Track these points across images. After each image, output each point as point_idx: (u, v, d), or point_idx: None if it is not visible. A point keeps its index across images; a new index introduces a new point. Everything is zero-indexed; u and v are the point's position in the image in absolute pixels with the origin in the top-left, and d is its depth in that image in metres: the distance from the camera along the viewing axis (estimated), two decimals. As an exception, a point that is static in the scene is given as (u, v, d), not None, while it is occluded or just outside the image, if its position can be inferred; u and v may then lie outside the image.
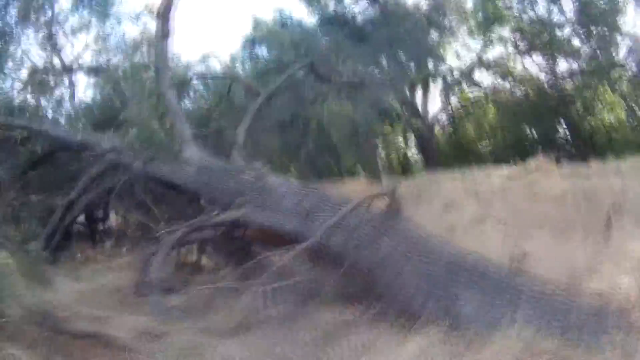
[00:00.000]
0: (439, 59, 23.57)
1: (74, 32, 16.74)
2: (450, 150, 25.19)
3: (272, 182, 10.36)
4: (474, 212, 13.02)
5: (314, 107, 18.92)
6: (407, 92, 23.82)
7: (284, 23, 22.33)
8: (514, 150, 20.00)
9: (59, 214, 13.10)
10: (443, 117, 25.16)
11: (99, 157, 13.01)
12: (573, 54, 21.80)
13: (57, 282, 9.91)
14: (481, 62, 23.63)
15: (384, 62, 20.56)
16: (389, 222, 8.90)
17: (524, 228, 11.53)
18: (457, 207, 13.83)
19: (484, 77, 24.33)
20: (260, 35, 22.36)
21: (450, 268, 8.02)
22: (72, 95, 15.42)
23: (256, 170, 10.52)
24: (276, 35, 21.40)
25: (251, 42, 22.65)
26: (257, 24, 22.73)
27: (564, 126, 22.73)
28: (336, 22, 21.77)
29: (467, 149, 24.69)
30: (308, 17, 22.88)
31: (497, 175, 14.93)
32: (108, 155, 12.79)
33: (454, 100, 25.08)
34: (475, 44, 23.67)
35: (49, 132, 14.05)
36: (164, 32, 13.65)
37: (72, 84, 15.62)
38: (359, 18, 21.88)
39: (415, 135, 24.80)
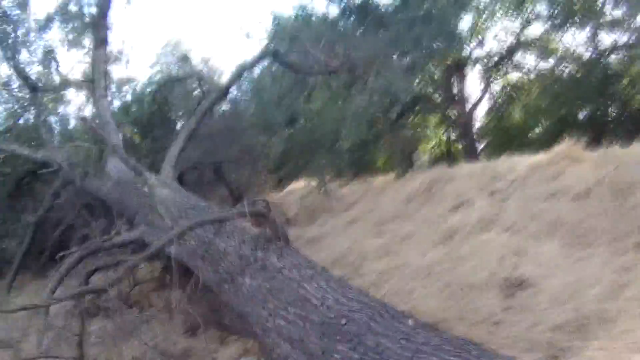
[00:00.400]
0: (475, 41, 19.78)
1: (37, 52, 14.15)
2: (495, 137, 21.42)
3: (158, 197, 7.38)
4: (483, 213, 9.81)
5: (331, 102, 15.54)
6: (441, 79, 20.09)
7: (304, 17, 18.70)
8: (560, 133, 16.04)
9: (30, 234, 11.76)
10: (484, 103, 21.24)
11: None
12: (616, 25, 17.65)
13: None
14: (520, 42, 19.61)
15: (411, 48, 16.69)
16: (258, 253, 5.63)
17: (534, 236, 8.02)
18: (466, 206, 10.64)
19: (524, 59, 20.38)
20: (281, 32, 18.70)
21: (326, 331, 4.90)
22: (39, 114, 12.85)
23: (146, 182, 7.39)
24: (296, 30, 17.84)
25: (272, 39, 19.05)
26: (277, 20, 19.05)
27: (611, 105, 18.59)
28: (358, 11, 18.27)
29: (513, 134, 20.79)
30: (330, 10, 19.22)
31: (521, 166, 11.24)
32: (60, 172, 10.98)
33: (494, 84, 21.10)
34: (512, 23, 19.61)
35: (15, 151, 12.45)
36: (98, 40, 11.81)
37: (39, 103, 13.07)
38: (383, 5, 18.13)
39: (452, 123, 21.01)
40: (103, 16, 11.66)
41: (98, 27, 11.81)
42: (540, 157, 11.49)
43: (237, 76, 11.25)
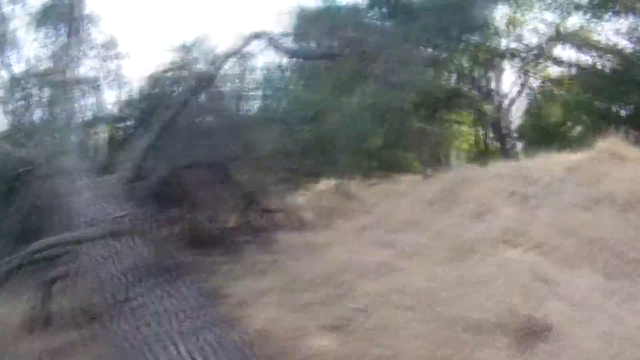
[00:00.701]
0: (512, 34, 17.58)
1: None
2: (534, 135, 19.21)
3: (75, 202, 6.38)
4: (509, 224, 7.63)
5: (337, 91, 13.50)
6: (476, 74, 17.89)
7: (326, 7, 16.65)
8: (602, 131, 13.71)
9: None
10: (522, 99, 18.98)
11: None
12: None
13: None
14: (559, 34, 17.36)
15: (439, 39, 14.60)
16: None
17: (568, 258, 5.81)
18: (491, 214, 8.43)
19: (564, 52, 18.18)
20: (302, 23, 16.65)
21: None
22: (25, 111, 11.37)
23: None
24: (312, 17, 15.78)
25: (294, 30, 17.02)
26: (300, 12, 16.94)
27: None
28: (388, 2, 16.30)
29: (552, 132, 18.54)
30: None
31: (558, 166, 9.06)
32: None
33: (533, 79, 18.81)
34: (551, 14, 17.48)
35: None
36: (70, 31, 10.43)
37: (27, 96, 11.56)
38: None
39: (487, 121, 18.73)
40: (74, 5, 10.10)
41: (70, 16, 10.40)
42: (581, 155, 9.33)
43: (222, 62, 9.31)
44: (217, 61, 9.34)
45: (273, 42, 9.97)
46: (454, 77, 17.20)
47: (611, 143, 8.97)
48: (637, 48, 16.07)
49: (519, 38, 18.08)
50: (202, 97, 10.35)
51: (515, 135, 19.08)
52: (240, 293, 7.80)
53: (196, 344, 3.55)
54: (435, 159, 16.58)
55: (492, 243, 7.12)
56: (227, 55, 9.24)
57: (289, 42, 12.05)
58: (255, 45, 10.03)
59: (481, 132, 19.66)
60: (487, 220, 8.15)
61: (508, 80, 18.68)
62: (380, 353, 4.94)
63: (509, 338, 4.69)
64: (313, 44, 11.29)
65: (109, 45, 13.54)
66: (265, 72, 13.56)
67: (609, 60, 16.89)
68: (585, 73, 17.39)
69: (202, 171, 11.57)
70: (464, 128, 19.65)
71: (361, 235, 9.98)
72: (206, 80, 8.99)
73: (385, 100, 12.46)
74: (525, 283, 5.53)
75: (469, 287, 5.99)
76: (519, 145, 19.31)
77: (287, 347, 5.41)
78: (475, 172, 11.03)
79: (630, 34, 16.09)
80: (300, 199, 14.27)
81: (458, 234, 7.96)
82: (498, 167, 11.03)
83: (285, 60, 13.11)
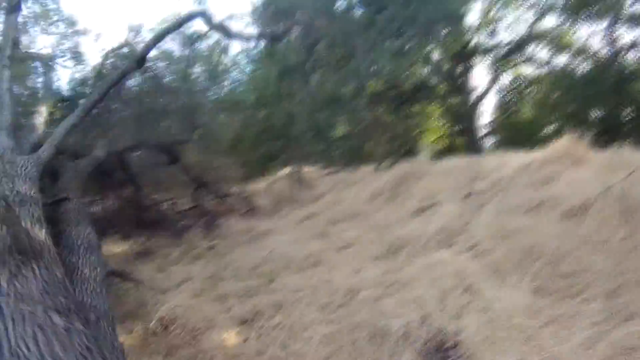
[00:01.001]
0: (485, 30, 16.84)
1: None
2: (504, 133, 18.43)
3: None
4: (448, 222, 6.85)
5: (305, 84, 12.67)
6: (447, 68, 17.12)
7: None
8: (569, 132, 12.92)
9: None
10: (491, 95, 18.26)
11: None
12: (635, 21, 14.84)
13: None
14: (532, 34, 16.68)
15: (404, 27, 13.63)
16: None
17: (498, 265, 5.14)
18: (432, 210, 7.79)
19: (536, 52, 17.43)
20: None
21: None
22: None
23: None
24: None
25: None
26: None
27: (626, 106, 15.48)
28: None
29: (523, 131, 17.69)
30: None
31: (510, 165, 8.50)
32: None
33: (503, 76, 18.10)
34: (526, 13, 16.83)
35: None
36: (10, 6, 8.94)
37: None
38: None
39: (454, 115, 17.96)
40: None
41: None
42: (535, 155, 8.58)
43: (154, 43, 8.47)
44: (149, 41, 8.44)
45: (214, 23, 9.17)
46: (423, 69, 16.36)
47: (568, 143, 8.24)
48: (610, 53, 15.32)
49: (492, 34, 17.33)
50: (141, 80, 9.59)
51: (484, 131, 18.30)
52: (164, 278, 7.14)
53: (31, 328, 2.81)
54: (399, 151, 15.70)
55: (426, 242, 6.41)
56: (161, 34, 8.38)
57: (241, 25, 11.20)
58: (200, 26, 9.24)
59: (447, 126, 18.82)
60: (426, 216, 7.48)
61: (479, 76, 18.00)
62: (275, 353, 4.52)
63: (413, 353, 3.98)
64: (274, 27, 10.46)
65: (68, 22, 12.79)
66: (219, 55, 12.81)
67: (581, 62, 16.19)
68: (557, 73, 16.61)
69: (149, 153, 10.77)
70: (431, 121, 18.76)
71: (301, 225, 9.36)
72: (138, 61, 8.08)
73: (345, 89, 11.65)
74: (446, 289, 4.83)
75: (388, 288, 5.32)
76: (489, 142, 18.56)
77: (187, 339, 4.99)
78: (423, 165, 10.33)
79: (604, 39, 15.49)
80: (254, 185, 13.50)
81: (393, 230, 7.28)
82: (449, 162, 10.38)
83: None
